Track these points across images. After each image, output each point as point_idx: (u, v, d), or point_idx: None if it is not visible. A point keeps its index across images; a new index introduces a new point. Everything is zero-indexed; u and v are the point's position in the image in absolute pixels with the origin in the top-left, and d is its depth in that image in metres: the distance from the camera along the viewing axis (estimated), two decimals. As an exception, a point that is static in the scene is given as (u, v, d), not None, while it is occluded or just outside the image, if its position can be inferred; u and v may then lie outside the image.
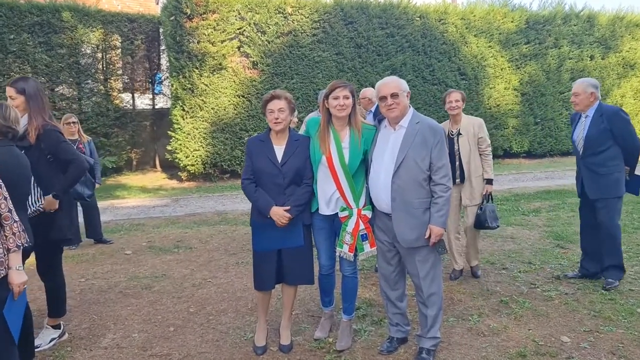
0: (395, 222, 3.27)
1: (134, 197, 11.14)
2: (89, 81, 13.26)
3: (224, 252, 6.34)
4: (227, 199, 10.44)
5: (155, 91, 14.90)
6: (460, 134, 4.77)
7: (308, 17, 12.73)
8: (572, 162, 14.74)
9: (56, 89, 12.80)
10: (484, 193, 4.79)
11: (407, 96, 3.32)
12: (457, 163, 4.75)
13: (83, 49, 13.00)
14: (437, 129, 3.27)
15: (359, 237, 3.46)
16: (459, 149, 4.76)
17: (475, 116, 5.88)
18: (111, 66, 13.56)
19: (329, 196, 3.50)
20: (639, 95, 16.15)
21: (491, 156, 4.86)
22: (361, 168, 3.49)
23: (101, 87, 13.42)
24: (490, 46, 14.46)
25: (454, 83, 13.83)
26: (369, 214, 3.48)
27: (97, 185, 6.85)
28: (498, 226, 4.87)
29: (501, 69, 14.64)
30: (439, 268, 3.40)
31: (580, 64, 15.35)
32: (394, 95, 3.25)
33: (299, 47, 12.68)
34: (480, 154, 4.79)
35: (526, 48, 14.77)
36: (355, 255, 3.53)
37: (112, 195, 11.46)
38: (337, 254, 3.58)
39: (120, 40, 13.65)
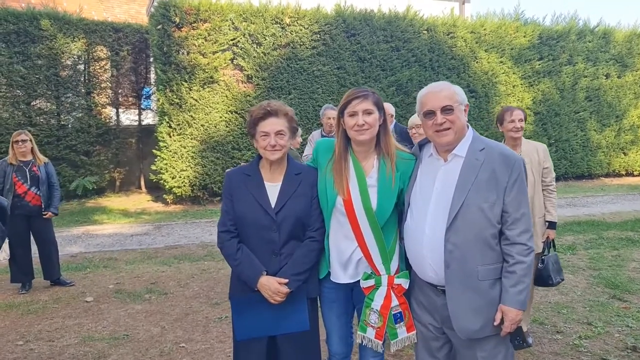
0: (450, 301, 2.17)
1: (112, 223, 10.01)
2: (70, 95, 12.19)
3: (205, 300, 5.20)
4: (215, 227, 9.22)
5: (143, 106, 13.83)
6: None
7: (307, 28, 11.75)
8: (590, 187, 13.73)
9: (33, 103, 11.74)
10: (543, 240, 3.71)
11: (465, 111, 2.25)
12: None
13: (63, 60, 11.94)
14: (514, 159, 2.19)
15: (390, 318, 2.35)
16: None
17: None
18: (94, 79, 12.49)
19: (346, 257, 2.41)
20: (658, 115, 15.19)
21: (556, 193, 3.79)
22: (394, 216, 2.41)
23: (83, 101, 12.34)
24: (501, 62, 13.52)
25: (464, 101, 12.80)
26: (405, 283, 2.38)
27: (53, 215, 5.73)
28: (562, 280, 3.78)
29: (513, 86, 13.68)
30: (509, 368, 2.29)
31: (595, 82, 14.42)
32: (446, 110, 2.18)
33: (298, 60, 11.67)
34: (542, 189, 3.71)
35: (539, 64, 13.83)
36: (385, 343, 2.42)
37: (90, 219, 10.34)
38: (358, 340, 2.46)
39: (104, 51, 12.61)
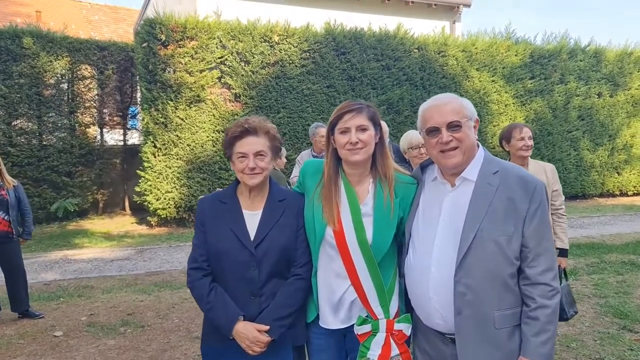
0: (461, 353, 1.84)
1: (93, 247, 9.58)
2: (52, 114, 11.80)
3: (185, 334, 4.79)
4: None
5: (129, 126, 13.47)
6: None
7: (297, 47, 11.52)
8: (585, 207, 13.49)
9: (14, 123, 11.35)
10: (554, 270, 3.38)
11: (474, 127, 1.94)
12: None
13: (46, 79, 11.59)
14: (534, 183, 1.87)
15: (389, 370, 2.00)
16: None
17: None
18: (78, 98, 12.13)
19: (337, 297, 2.06)
20: (650, 135, 15.10)
21: (566, 217, 3.48)
22: (393, 249, 2.08)
23: (66, 120, 11.95)
24: (493, 81, 13.36)
25: (456, 120, 12.58)
26: (406, 329, 2.04)
27: (26, 241, 5.35)
28: (576, 312, 3.45)
29: (505, 105, 13.50)
30: None
31: (588, 101, 14.31)
32: (453, 126, 1.88)
33: (287, 79, 11.41)
34: (552, 214, 3.41)
35: (531, 83, 13.69)
36: (383, 400, 2.06)
37: (70, 243, 9.90)
38: (351, 395, 2.10)
39: (89, 70, 12.28)
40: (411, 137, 3.51)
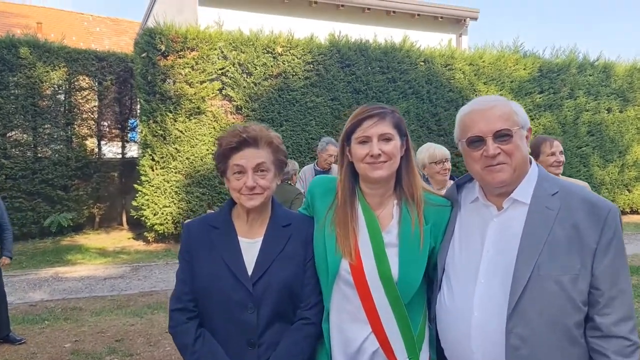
0: None
1: (87, 263, 9.21)
2: (48, 126, 11.50)
3: (177, 364, 4.39)
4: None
5: (128, 138, 13.16)
6: None
7: (300, 58, 11.22)
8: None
9: (8, 134, 11.04)
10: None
11: (527, 138, 1.57)
12: None
13: (43, 90, 11.30)
14: (606, 208, 1.49)
15: None
16: None
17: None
18: (75, 109, 11.83)
19: (356, 347, 1.68)
20: (661, 151, 14.73)
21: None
22: (422, 287, 1.69)
23: (62, 132, 11.66)
24: (501, 94, 12.98)
25: (463, 134, 12.25)
26: (440, 387, 1.64)
27: (6, 261, 4.97)
28: None
29: (514, 120, 13.15)
30: None
31: (597, 116, 13.98)
32: (502, 136, 1.51)
33: (290, 91, 11.09)
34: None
35: (540, 98, 13.37)
36: None
37: (62, 260, 9.54)
38: None
39: (86, 81, 12.00)
40: (434, 149, 3.13)
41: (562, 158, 3.17)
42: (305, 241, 1.71)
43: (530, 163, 1.59)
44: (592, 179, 13.91)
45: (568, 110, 13.63)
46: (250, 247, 1.69)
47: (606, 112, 14.21)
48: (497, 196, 1.58)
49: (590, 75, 14.00)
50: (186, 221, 1.88)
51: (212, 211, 1.99)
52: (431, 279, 1.72)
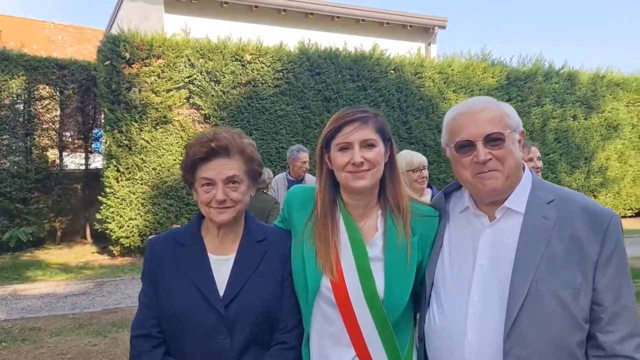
0: None
1: (48, 280, 8.79)
2: (6, 136, 11.01)
3: (144, 386, 4.14)
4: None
5: (92, 149, 12.73)
6: None
7: (270, 66, 11.08)
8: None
9: (-37, 146, 10.55)
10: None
11: (519, 142, 1.46)
12: None
13: (0, 99, 10.84)
14: (607, 216, 1.39)
15: None
16: None
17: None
18: (35, 119, 11.38)
19: (338, 372, 1.52)
20: (624, 158, 15.13)
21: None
22: (410, 306, 1.56)
23: (21, 143, 11.19)
24: (470, 103, 13.17)
25: (433, 142, 12.31)
26: (431, 414, 1.51)
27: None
28: None
29: (482, 128, 13.30)
30: None
31: (563, 123, 14.26)
32: (493, 140, 1.40)
33: (259, 99, 10.93)
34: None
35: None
36: None
37: (21, 276, 9.08)
38: None
39: (47, 90, 11.57)
40: (411, 156, 3.03)
41: (540, 164, 3.12)
42: (282, 257, 1.56)
43: (524, 169, 1.49)
44: (559, 185, 14.15)
45: (535, 118, 13.86)
46: (221, 265, 1.53)
47: (572, 119, 14.51)
48: (488, 205, 1.47)
49: (556, 83, 14.29)
50: (150, 237, 1.71)
51: (178, 226, 1.82)
52: (418, 295, 1.60)
